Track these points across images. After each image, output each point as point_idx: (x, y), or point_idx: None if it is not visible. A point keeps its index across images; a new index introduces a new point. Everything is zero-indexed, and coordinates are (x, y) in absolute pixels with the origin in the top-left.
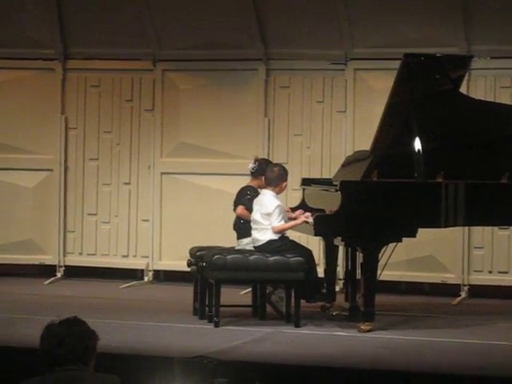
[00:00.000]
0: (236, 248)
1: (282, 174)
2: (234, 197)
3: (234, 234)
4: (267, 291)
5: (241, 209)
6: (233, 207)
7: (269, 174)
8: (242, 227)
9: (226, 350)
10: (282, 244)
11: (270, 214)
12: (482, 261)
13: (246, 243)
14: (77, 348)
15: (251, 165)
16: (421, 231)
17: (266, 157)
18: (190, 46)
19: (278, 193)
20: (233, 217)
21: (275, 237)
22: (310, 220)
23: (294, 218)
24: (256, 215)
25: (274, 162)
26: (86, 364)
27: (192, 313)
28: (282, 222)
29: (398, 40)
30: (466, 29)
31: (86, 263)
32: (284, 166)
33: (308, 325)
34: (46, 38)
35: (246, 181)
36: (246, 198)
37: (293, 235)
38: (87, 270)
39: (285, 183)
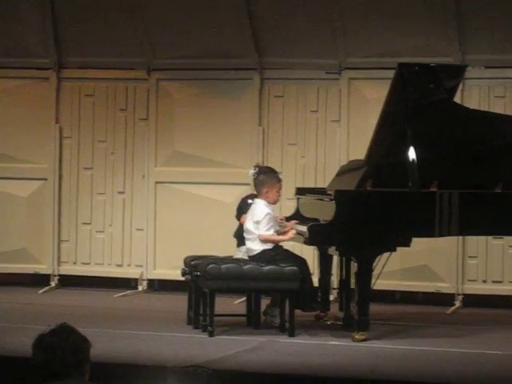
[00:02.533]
0: (235, 255)
1: (263, 180)
2: (237, 204)
3: (229, 242)
4: (263, 310)
5: (244, 217)
6: (235, 215)
7: (254, 182)
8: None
9: (221, 360)
10: (275, 253)
11: (258, 223)
12: (477, 270)
13: (244, 251)
14: (71, 360)
15: (251, 171)
16: (415, 240)
17: None
18: (185, 56)
19: (271, 201)
20: (228, 226)
21: (269, 246)
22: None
23: (284, 231)
24: (248, 224)
25: None
26: (82, 374)
27: (186, 322)
28: (271, 231)
29: (392, 49)
30: (460, 38)
31: (80, 272)
32: (272, 171)
33: (302, 334)
34: (40, 47)
35: (240, 190)
36: (249, 206)
37: (287, 244)
38: (81, 279)
39: (270, 190)
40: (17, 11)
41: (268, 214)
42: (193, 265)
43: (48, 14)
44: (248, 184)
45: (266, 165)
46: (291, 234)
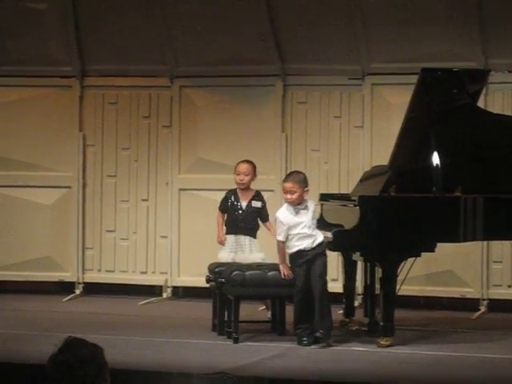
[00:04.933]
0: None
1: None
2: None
3: None
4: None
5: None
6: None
7: None
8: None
9: (246, 366)
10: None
11: None
12: (501, 275)
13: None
14: (91, 370)
15: None
16: (440, 246)
17: (283, 172)
18: (207, 63)
19: (291, 203)
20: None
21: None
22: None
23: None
24: None
25: None
26: (105, 380)
27: (211, 329)
28: (281, 236)
29: (415, 55)
30: (483, 43)
31: (104, 280)
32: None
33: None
34: (63, 55)
35: (264, 196)
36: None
37: None
38: (106, 286)
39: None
40: (40, 20)
41: (276, 217)
42: (217, 271)
43: (71, 23)
44: (272, 190)
45: (287, 172)
46: (285, 272)
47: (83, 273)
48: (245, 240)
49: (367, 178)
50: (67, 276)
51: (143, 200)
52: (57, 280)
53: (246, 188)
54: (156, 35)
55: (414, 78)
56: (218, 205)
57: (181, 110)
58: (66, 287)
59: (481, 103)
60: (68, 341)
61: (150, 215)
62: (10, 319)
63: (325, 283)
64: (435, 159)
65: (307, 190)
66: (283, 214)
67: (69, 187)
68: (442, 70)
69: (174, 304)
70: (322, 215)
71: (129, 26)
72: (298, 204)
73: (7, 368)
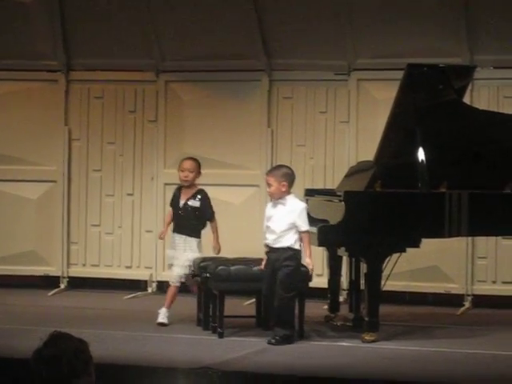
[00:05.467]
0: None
1: None
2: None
3: (238, 243)
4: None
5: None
6: None
7: None
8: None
9: (231, 361)
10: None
11: None
12: (486, 271)
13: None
14: (75, 363)
15: None
16: (424, 241)
17: (269, 167)
18: (193, 57)
19: (271, 196)
20: (238, 227)
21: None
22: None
23: None
24: None
25: None
26: (90, 375)
27: (196, 324)
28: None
29: (401, 50)
30: (469, 39)
31: (89, 274)
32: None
33: (312, 335)
34: (48, 49)
35: (249, 191)
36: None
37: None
38: (91, 281)
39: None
40: (25, 14)
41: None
42: (202, 266)
43: (57, 17)
44: (257, 185)
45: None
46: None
47: (68, 267)
48: (180, 239)
49: (353, 173)
50: (52, 270)
51: (128, 194)
52: (42, 274)
53: (190, 186)
54: (142, 30)
55: (400, 74)
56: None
57: (166, 104)
58: (50, 281)
59: (466, 99)
60: (53, 335)
61: (135, 210)
62: None
63: (284, 297)
64: (420, 155)
65: (284, 185)
66: (268, 203)
67: (54, 181)
68: (427, 66)
69: (158, 298)
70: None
71: (114, 20)
72: (278, 198)
73: None
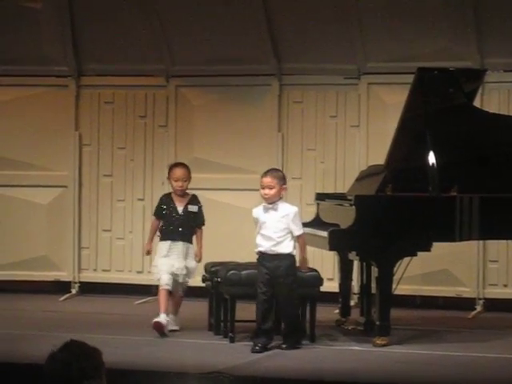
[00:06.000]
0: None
1: None
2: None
3: (249, 248)
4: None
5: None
6: None
7: None
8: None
9: (242, 366)
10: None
11: None
12: (497, 274)
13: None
14: (86, 367)
15: None
16: (435, 245)
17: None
18: (203, 62)
19: (267, 199)
20: (248, 231)
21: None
22: None
23: None
24: None
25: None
26: (101, 378)
27: (207, 328)
28: (256, 231)
29: (411, 54)
30: (479, 42)
31: (100, 279)
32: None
33: (323, 339)
34: (59, 54)
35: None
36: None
37: (307, 249)
38: (102, 286)
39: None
40: (35, 19)
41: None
42: (213, 271)
43: (67, 22)
44: None
45: (283, 171)
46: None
47: (79, 272)
48: (179, 246)
49: (363, 177)
50: (63, 275)
51: (139, 199)
52: (53, 279)
53: (183, 194)
54: (152, 34)
55: (410, 78)
56: (153, 210)
57: (177, 109)
58: (62, 287)
59: (477, 102)
60: (68, 342)
61: (146, 215)
62: (6, 319)
63: (293, 306)
64: (431, 158)
65: (285, 188)
66: (256, 208)
67: (65, 187)
68: (438, 70)
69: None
70: (318, 214)
71: (125, 25)
72: (271, 202)
73: (3, 368)
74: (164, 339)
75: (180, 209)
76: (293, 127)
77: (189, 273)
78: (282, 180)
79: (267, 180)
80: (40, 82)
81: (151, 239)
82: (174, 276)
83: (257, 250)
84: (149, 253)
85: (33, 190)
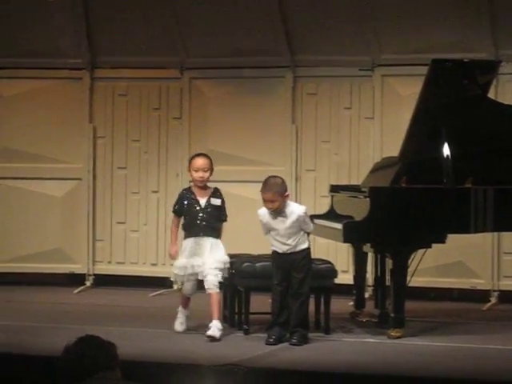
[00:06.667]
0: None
1: None
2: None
3: (264, 240)
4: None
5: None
6: None
7: None
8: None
9: (256, 358)
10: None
11: None
12: None
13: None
14: (99, 356)
15: None
16: (450, 237)
17: (294, 163)
18: (217, 54)
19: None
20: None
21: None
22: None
23: None
24: None
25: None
26: (113, 369)
27: (222, 320)
28: (263, 232)
29: (425, 46)
30: (493, 34)
31: (115, 272)
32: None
33: (338, 332)
34: (73, 47)
35: None
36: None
37: (321, 242)
38: (116, 278)
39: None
40: (49, 12)
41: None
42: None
43: (81, 15)
44: None
45: (297, 163)
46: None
47: (94, 265)
48: (206, 241)
49: (377, 169)
50: (78, 268)
51: (153, 192)
52: (67, 272)
53: (204, 186)
54: (166, 27)
55: (425, 69)
56: (173, 207)
57: (191, 101)
58: (76, 279)
59: (491, 94)
60: (82, 336)
61: (161, 207)
62: (20, 311)
63: (302, 303)
64: (446, 150)
65: (287, 195)
66: (263, 211)
67: (79, 179)
68: (452, 61)
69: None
70: (332, 206)
71: (139, 17)
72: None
73: (18, 360)
74: (178, 331)
75: (202, 202)
76: (307, 119)
77: (220, 267)
78: (283, 189)
79: (267, 196)
80: (54, 75)
81: (175, 240)
82: (198, 275)
83: (272, 249)
84: (173, 257)
85: (47, 182)
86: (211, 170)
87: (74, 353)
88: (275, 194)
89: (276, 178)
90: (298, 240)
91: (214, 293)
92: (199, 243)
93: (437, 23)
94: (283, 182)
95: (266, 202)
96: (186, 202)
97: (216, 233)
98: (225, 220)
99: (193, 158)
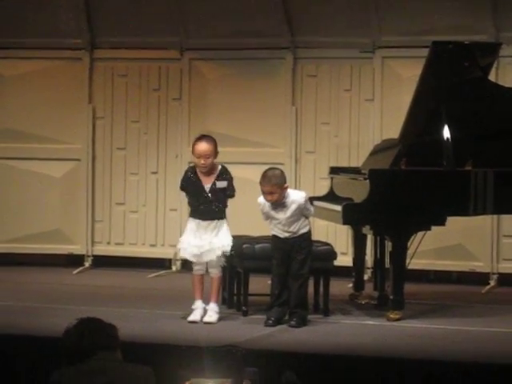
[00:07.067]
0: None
1: None
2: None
3: (263, 222)
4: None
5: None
6: None
7: None
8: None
9: (255, 339)
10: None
11: None
12: (511, 249)
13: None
14: (99, 337)
15: None
16: (449, 219)
17: (293, 145)
18: (217, 35)
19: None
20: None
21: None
22: None
23: None
24: None
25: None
26: (114, 350)
27: (220, 302)
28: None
29: (426, 28)
30: (494, 16)
31: (113, 253)
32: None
33: (337, 314)
34: (72, 27)
35: None
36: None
37: (320, 224)
38: (115, 259)
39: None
40: None
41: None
42: None
43: None
44: (282, 163)
45: (297, 145)
46: None
47: (92, 246)
48: (210, 224)
49: (377, 151)
50: (76, 249)
51: (153, 173)
52: (66, 253)
53: (208, 171)
54: (166, 7)
55: (425, 52)
56: (179, 185)
57: (191, 82)
58: (75, 260)
59: (492, 77)
60: (83, 318)
61: (160, 188)
62: (19, 292)
63: (302, 284)
64: (446, 133)
65: (287, 187)
66: (262, 201)
67: (78, 160)
68: (453, 43)
69: (183, 277)
70: (331, 188)
71: None
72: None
73: (16, 341)
74: (177, 313)
75: (207, 186)
76: (307, 101)
77: (223, 249)
78: (282, 181)
79: (266, 189)
80: (54, 55)
81: None
82: (202, 257)
83: (271, 233)
84: None
85: (46, 163)
86: (215, 154)
87: (73, 334)
88: (274, 186)
89: (275, 169)
90: (299, 226)
91: (216, 276)
92: (202, 226)
93: (438, 5)
94: (282, 173)
95: (265, 194)
96: (190, 182)
97: (220, 213)
98: (232, 196)
99: (195, 142)
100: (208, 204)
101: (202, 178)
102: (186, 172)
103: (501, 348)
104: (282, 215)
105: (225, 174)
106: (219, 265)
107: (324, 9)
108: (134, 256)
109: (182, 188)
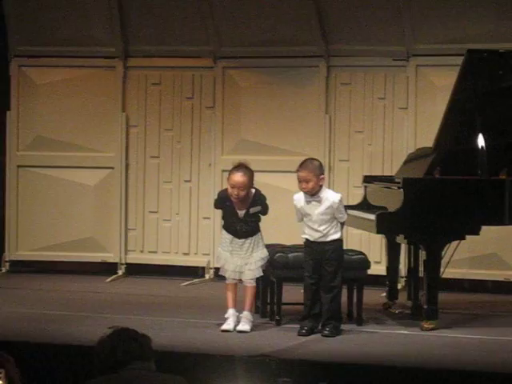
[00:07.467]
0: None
1: None
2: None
3: (296, 230)
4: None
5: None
6: None
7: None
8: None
9: (288, 349)
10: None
11: None
12: None
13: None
14: (133, 348)
15: None
16: (484, 229)
17: (327, 154)
18: (251, 43)
19: (307, 192)
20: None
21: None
22: None
23: None
24: None
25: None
26: (148, 360)
27: (254, 311)
28: (296, 219)
29: (460, 35)
30: None
31: (147, 261)
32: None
33: (370, 323)
34: (106, 36)
35: None
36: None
37: (354, 232)
38: (148, 267)
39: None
40: (84, 1)
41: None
42: None
43: (115, 3)
44: None
45: (330, 153)
46: None
47: (126, 254)
48: (244, 242)
49: (411, 159)
50: (110, 257)
51: (186, 181)
52: (99, 261)
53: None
54: (199, 16)
55: (460, 60)
56: (213, 202)
57: (224, 90)
58: (108, 268)
59: None
60: (117, 328)
61: (193, 196)
62: (52, 300)
63: (334, 296)
64: (480, 141)
65: (323, 178)
66: (298, 196)
67: (112, 168)
68: (487, 51)
69: (216, 285)
70: (365, 197)
71: (172, 6)
72: (312, 194)
73: (50, 349)
74: (210, 322)
75: (241, 212)
76: (340, 109)
77: (261, 263)
78: (319, 170)
79: (302, 175)
80: (87, 63)
81: None
82: (240, 276)
83: (304, 237)
84: None
85: (80, 171)
86: (249, 186)
87: (107, 345)
88: (310, 174)
89: (314, 159)
90: (329, 229)
91: (250, 285)
92: (238, 242)
93: (472, 13)
94: (321, 164)
95: (300, 182)
96: (224, 203)
97: (254, 231)
98: (265, 214)
99: (232, 171)
100: (241, 225)
101: (236, 204)
102: (219, 195)
103: None
104: (314, 210)
105: (259, 200)
106: (255, 275)
107: (358, 17)
108: (167, 264)
109: (216, 208)
